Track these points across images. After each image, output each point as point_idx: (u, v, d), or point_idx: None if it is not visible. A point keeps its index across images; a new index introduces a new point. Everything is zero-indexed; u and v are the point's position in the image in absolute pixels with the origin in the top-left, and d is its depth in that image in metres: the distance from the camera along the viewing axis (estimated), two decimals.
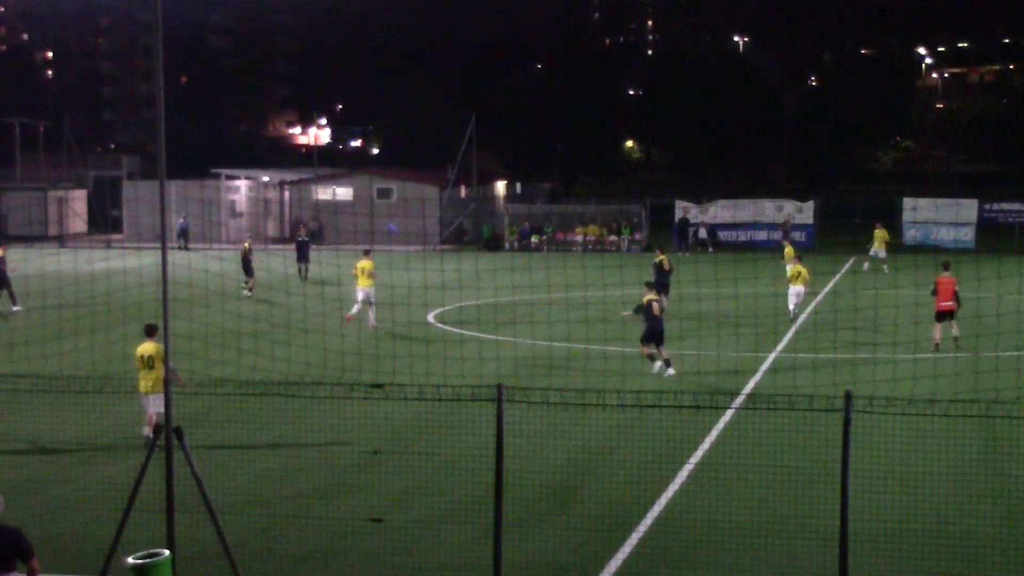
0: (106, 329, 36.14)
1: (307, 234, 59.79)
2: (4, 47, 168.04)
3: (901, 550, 16.88)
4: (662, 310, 31.12)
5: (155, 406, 22.38)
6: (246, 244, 49.62)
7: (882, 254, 58.01)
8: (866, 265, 57.68)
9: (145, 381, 22.90)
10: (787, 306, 40.35)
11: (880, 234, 58.92)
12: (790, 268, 41.04)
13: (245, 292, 46.77)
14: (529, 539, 17.64)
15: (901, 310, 37.77)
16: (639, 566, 16.84)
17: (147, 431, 22.84)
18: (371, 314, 39.38)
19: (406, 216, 71.15)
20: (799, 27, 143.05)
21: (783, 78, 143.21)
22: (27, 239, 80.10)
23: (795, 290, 39.98)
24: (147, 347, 23.10)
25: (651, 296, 31.16)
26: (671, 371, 30.19)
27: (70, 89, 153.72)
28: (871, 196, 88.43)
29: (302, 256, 55.01)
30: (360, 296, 39.76)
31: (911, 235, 71.92)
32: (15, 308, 42.74)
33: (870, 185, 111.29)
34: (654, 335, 30.62)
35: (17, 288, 43.60)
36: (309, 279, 53.28)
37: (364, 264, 39.93)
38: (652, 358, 30.73)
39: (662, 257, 43.07)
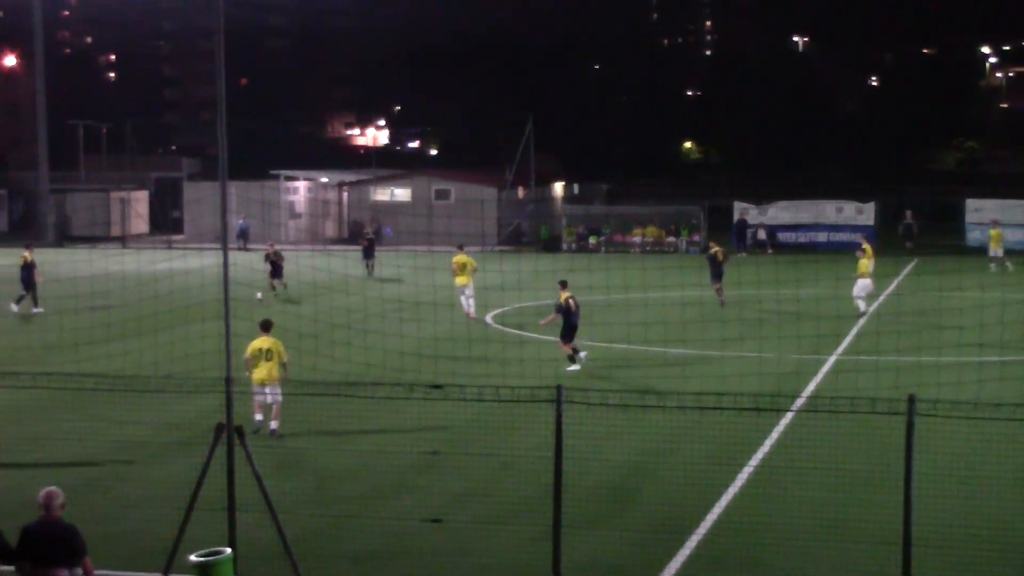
0: (168, 329, 36.43)
1: (374, 232, 62.13)
2: (68, 51, 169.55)
3: (964, 555, 16.72)
4: (577, 307, 31.89)
5: (272, 396, 23.95)
6: (272, 247, 49.40)
7: (1000, 253, 58.19)
8: (992, 267, 57.55)
9: (259, 372, 24.03)
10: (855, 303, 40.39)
11: (995, 234, 59.10)
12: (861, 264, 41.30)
13: (258, 295, 45.78)
14: (587, 541, 17.61)
15: (965, 312, 37.48)
16: (698, 569, 16.78)
17: (259, 417, 24.08)
18: (469, 304, 40.94)
19: (464, 217, 71.21)
20: (860, 27, 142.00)
21: (843, 78, 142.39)
22: (90, 240, 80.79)
23: (863, 283, 40.25)
24: (264, 341, 24.37)
25: (566, 294, 31.86)
26: (576, 367, 31.13)
27: (132, 92, 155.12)
28: (933, 197, 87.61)
29: (368, 253, 57.50)
30: (466, 291, 41.01)
31: (974, 237, 71.15)
32: (35, 309, 43.16)
33: (932, 186, 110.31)
34: (572, 331, 31.53)
35: (81, 288, 43.96)
36: (373, 276, 55.32)
37: (461, 259, 41.49)
38: (576, 351, 31.60)
39: (716, 249, 44.50)
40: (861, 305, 40.50)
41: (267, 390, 24.06)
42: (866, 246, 45.51)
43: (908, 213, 70.01)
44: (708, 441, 21.98)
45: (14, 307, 43.02)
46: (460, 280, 41.34)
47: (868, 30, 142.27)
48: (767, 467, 21.43)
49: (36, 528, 12.87)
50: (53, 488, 13.13)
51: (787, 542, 17.60)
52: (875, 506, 18.58)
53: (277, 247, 50.31)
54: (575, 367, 31.19)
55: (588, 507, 19.02)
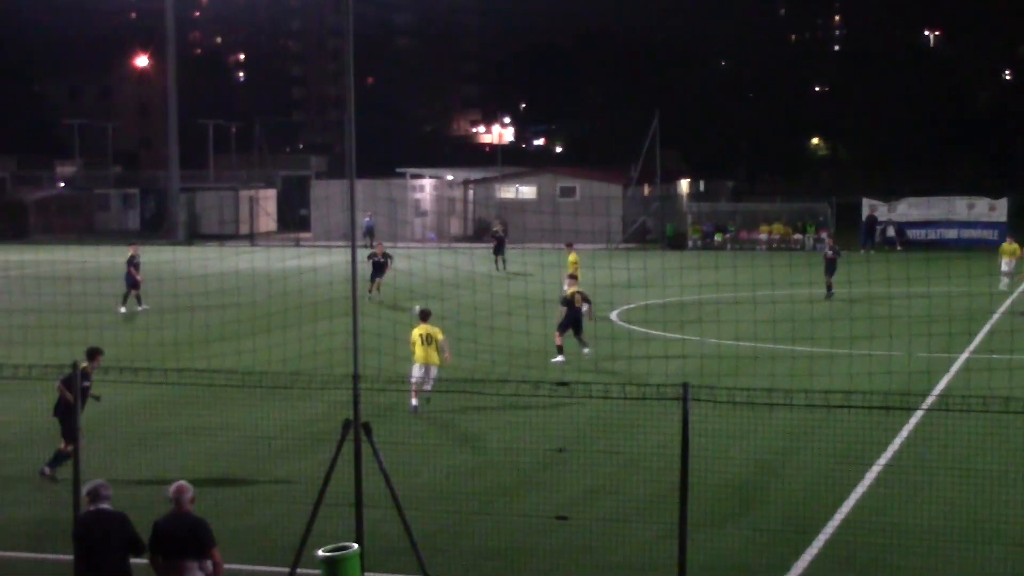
0: (297, 326, 36.85)
1: (504, 231, 63.05)
2: (199, 51, 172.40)
3: None
4: (584, 302, 32.85)
5: (430, 377, 26.26)
6: (378, 249, 48.54)
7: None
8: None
9: (419, 352, 26.26)
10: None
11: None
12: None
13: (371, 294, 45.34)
14: (714, 539, 17.50)
15: None
16: (826, 569, 16.60)
17: (414, 402, 25.92)
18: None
19: (590, 214, 71.16)
20: (992, 20, 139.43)
21: (976, 72, 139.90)
22: (219, 237, 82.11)
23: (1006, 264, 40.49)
24: (423, 328, 26.64)
25: (574, 288, 32.84)
26: (560, 358, 31.80)
27: (261, 91, 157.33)
28: None
29: (499, 249, 59.32)
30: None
31: None
32: (138, 307, 43.70)
33: None
34: (573, 324, 32.34)
35: (211, 285, 44.68)
36: (507, 271, 57.11)
37: (572, 257, 42.51)
38: (561, 349, 31.96)
39: (828, 239, 48.15)
40: (1004, 281, 40.85)
41: (427, 370, 26.23)
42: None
43: None
44: (836, 440, 21.70)
45: (139, 307, 43.62)
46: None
47: (1001, 22, 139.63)
48: (896, 466, 21.14)
49: (166, 522, 13.10)
50: (183, 483, 13.34)
51: (917, 543, 17.34)
52: (1009, 507, 18.24)
53: (386, 247, 49.76)
54: (559, 359, 31.77)
55: (714, 506, 18.90)
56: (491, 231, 65.79)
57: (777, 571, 16.43)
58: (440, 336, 26.61)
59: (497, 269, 57.54)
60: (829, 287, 45.41)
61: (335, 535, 15.64)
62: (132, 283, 43.91)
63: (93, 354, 21.36)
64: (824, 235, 73.06)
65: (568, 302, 32.50)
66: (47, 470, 20.76)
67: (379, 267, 46.79)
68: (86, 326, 32.01)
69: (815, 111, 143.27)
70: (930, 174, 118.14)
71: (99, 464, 20.01)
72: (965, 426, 20.83)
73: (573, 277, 34.30)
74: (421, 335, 26.54)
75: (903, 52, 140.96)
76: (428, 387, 26.39)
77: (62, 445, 20.64)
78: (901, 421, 23.65)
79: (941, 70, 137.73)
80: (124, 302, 43.67)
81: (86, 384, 20.57)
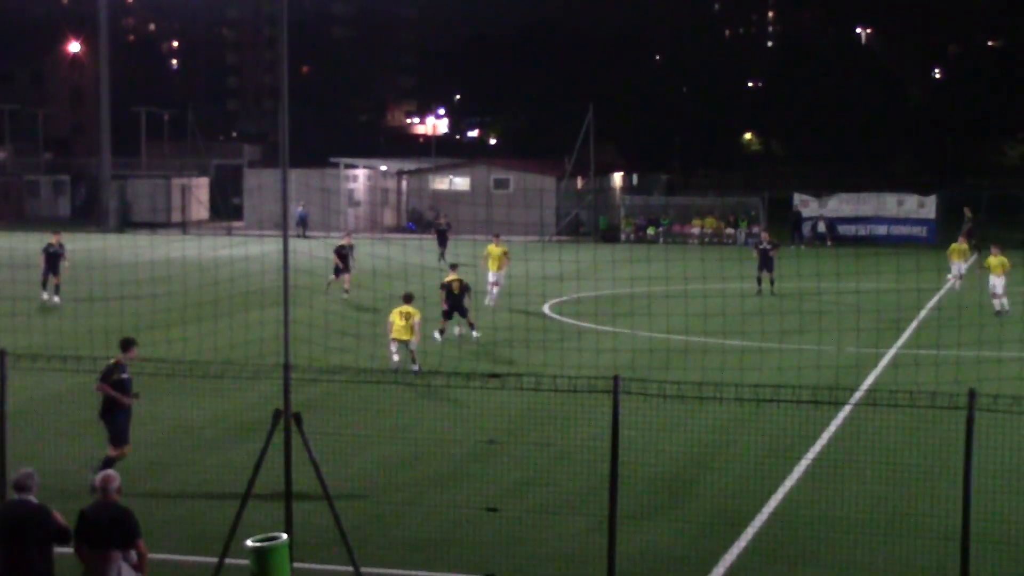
0: (228, 315, 36.64)
1: (447, 223, 62.71)
2: (132, 37, 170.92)
3: None
4: (463, 289, 34.23)
5: (409, 346, 28.81)
6: (349, 237, 48.18)
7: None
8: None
9: (397, 330, 28.66)
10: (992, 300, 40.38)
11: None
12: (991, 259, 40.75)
13: (342, 288, 44.97)
14: (644, 531, 17.59)
15: None
16: (754, 562, 16.72)
17: (396, 358, 28.86)
18: (494, 292, 42.29)
19: (524, 207, 71.24)
20: (925, 18, 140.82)
21: (908, 70, 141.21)
22: (151, 226, 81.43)
23: (995, 281, 40.08)
24: (403, 307, 28.96)
25: (452, 276, 34.63)
26: (476, 333, 34.33)
27: (195, 79, 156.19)
28: (997, 191, 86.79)
29: (442, 242, 59.59)
30: (491, 279, 42.42)
31: None
32: (54, 299, 42.86)
33: (996, 179, 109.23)
34: (457, 310, 34.13)
35: (142, 274, 44.32)
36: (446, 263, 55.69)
37: (492, 249, 42.60)
38: (443, 332, 33.95)
39: (763, 233, 47.43)
40: (996, 304, 40.71)
41: (408, 343, 28.72)
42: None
43: (966, 211, 69.05)
44: (765, 433, 21.87)
45: (56, 299, 43.03)
46: (491, 267, 42.77)
47: (933, 21, 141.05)
48: (825, 460, 21.32)
49: (92, 511, 13.00)
50: (110, 471, 13.27)
51: (844, 536, 17.50)
52: (934, 501, 18.43)
53: (353, 237, 49.06)
54: (438, 336, 33.53)
55: (644, 498, 18.99)
56: (435, 224, 65.26)
57: (706, 564, 16.53)
58: (417, 317, 28.79)
59: (440, 260, 56.95)
60: (759, 281, 45.64)
61: (264, 526, 15.57)
62: (51, 270, 43.33)
63: (127, 345, 20.20)
64: (757, 229, 73.59)
65: (447, 287, 34.05)
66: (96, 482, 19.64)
67: (345, 259, 45.16)
68: (13, 313, 31.70)
69: (749, 106, 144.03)
70: (863, 170, 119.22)
71: (26, 452, 19.80)
72: (892, 421, 21.03)
73: (453, 266, 36.07)
74: (399, 313, 28.79)
75: (837, 49, 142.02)
76: (415, 368, 28.50)
77: (110, 450, 19.60)
78: (830, 415, 23.86)
79: (874, 67, 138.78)
80: (45, 288, 43.19)
81: (124, 376, 19.75)
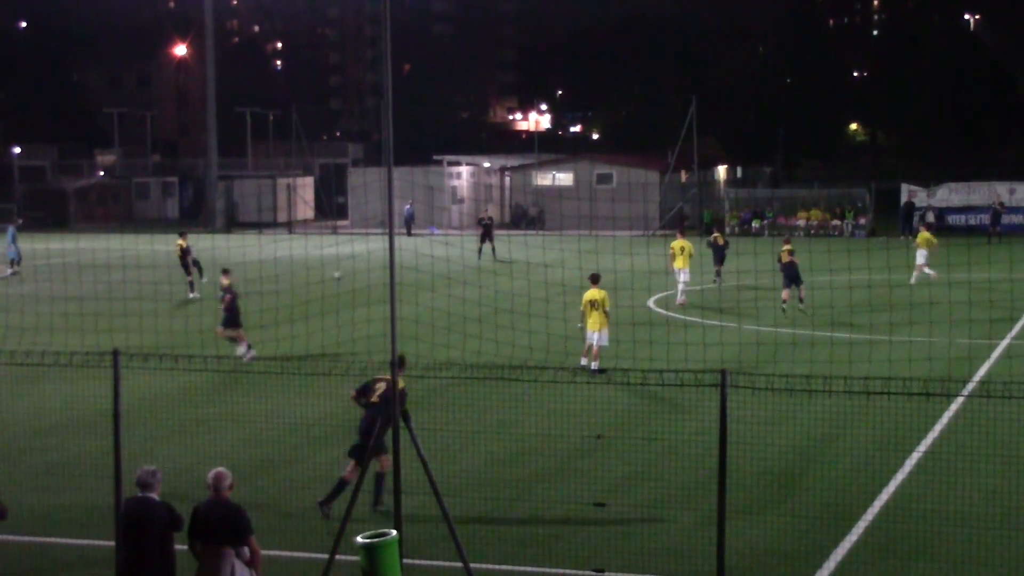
0: (335, 313, 36.92)
1: (489, 218, 62.72)
2: (236, 39, 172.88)
3: None
4: (235, 297, 31.60)
5: (599, 340, 28.41)
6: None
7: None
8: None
9: (591, 321, 28.31)
10: None
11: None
12: None
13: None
14: (753, 526, 17.47)
15: None
16: (866, 556, 16.54)
17: (584, 360, 28.64)
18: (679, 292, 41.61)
19: (627, 201, 71.01)
20: None
21: (1017, 57, 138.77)
22: (257, 225, 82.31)
23: None
24: (593, 293, 28.56)
25: (228, 281, 32.17)
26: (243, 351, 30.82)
27: (299, 79, 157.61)
28: None
29: (488, 237, 59.11)
30: (682, 277, 41.55)
31: None
32: (191, 295, 44.36)
33: None
34: (233, 320, 31.33)
35: (250, 273, 44.83)
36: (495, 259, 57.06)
37: (682, 243, 42.03)
38: (236, 340, 31.25)
39: (716, 234, 47.78)
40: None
41: (594, 336, 28.34)
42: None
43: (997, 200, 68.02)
44: (876, 426, 21.63)
45: (192, 295, 44.22)
46: (680, 264, 41.81)
47: None
48: (937, 453, 21.04)
49: (205, 508, 13.19)
50: (222, 469, 13.43)
51: (958, 530, 17.26)
52: None
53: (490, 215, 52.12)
54: (242, 352, 30.92)
55: (753, 492, 18.87)
56: (479, 220, 64.85)
57: (816, 558, 16.39)
58: (607, 303, 28.63)
59: (479, 258, 56.72)
60: (718, 273, 45.85)
61: (374, 522, 15.68)
62: (188, 269, 45.28)
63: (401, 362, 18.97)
64: (864, 220, 72.68)
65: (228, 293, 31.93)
66: (379, 507, 18.32)
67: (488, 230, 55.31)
68: (125, 313, 32.20)
69: (853, 96, 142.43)
70: (971, 159, 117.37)
71: (140, 451, 20.12)
72: (1006, 413, 20.70)
73: (225, 271, 33.39)
74: (591, 301, 28.53)
75: (942, 36, 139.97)
76: (594, 352, 28.46)
77: (378, 467, 18.41)
78: (941, 408, 23.55)
79: (981, 54, 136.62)
80: (193, 288, 45.00)
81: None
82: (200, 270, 46.15)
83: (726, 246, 46.68)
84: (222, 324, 31.72)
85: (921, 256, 46.15)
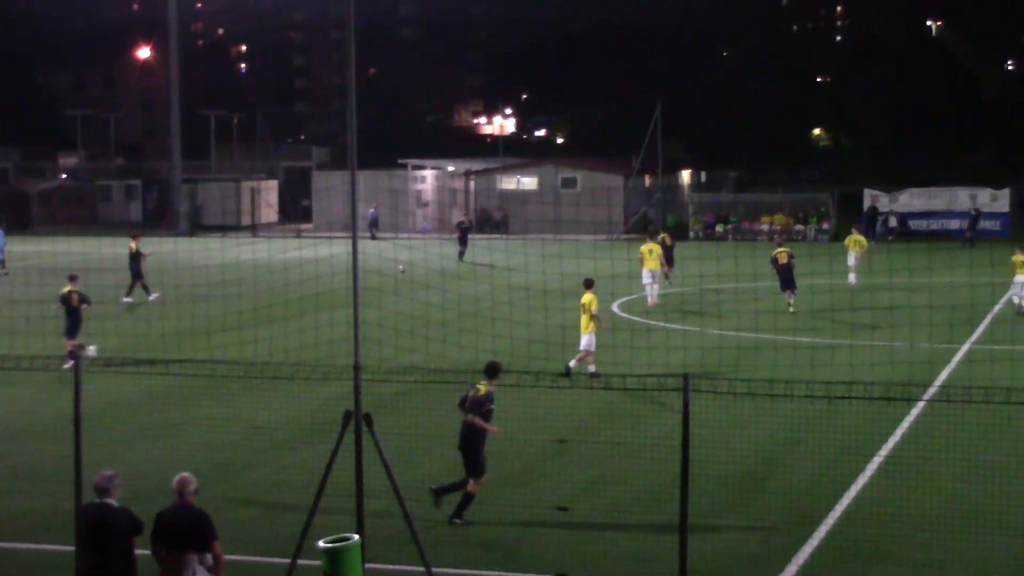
0: (298, 317, 36.88)
1: (468, 223, 63.76)
2: (201, 42, 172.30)
3: None
4: (82, 301, 30.81)
5: (584, 344, 28.42)
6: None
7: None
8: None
9: (581, 323, 28.51)
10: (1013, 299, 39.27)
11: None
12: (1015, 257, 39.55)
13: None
14: (715, 530, 17.52)
15: None
16: (828, 560, 16.61)
17: (573, 362, 28.71)
18: (653, 293, 41.72)
19: (591, 205, 71.09)
20: (997, 9, 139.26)
21: (980, 63, 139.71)
22: (221, 229, 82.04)
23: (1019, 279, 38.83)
24: (583, 297, 28.71)
25: (69, 287, 31.18)
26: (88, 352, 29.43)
27: (264, 82, 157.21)
28: None
29: (463, 241, 59.69)
30: (647, 278, 41.56)
31: None
32: (127, 299, 43.20)
33: None
34: (75, 327, 30.52)
35: (214, 276, 44.69)
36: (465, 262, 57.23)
37: (650, 247, 42.21)
38: (82, 347, 29.78)
39: (664, 235, 47.62)
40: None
41: (582, 339, 28.50)
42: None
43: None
44: (838, 431, 21.72)
45: (126, 299, 43.38)
46: (650, 265, 42.01)
47: (1005, 12, 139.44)
48: (898, 457, 21.14)
49: (169, 513, 13.14)
50: (186, 474, 13.37)
51: (919, 534, 17.36)
52: (1011, 498, 18.25)
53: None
54: (87, 353, 29.56)
55: (716, 497, 18.91)
56: (458, 223, 65.11)
57: (778, 562, 16.44)
58: (593, 306, 28.42)
59: (461, 260, 57.50)
60: (667, 276, 45.84)
61: (337, 527, 15.64)
62: (137, 273, 44.02)
63: (495, 371, 18.81)
64: (827, 225, 72.94)
65: (65, 300, 31.02)
66: (457, 520, 18.30)
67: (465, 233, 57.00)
68: (87, 317, 32.01)
69: (818, 101, 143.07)
70: (934, 164, 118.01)
71: (101, 455, 20.00)
72: (967, 417, 20.82)
73: (72, 278, 32.06)
74: (582, 304, 28.71)
75: (906, 42, 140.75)
76: (591, 368, 28.26)
77: (470, 484, 18.43)
78: (903, 412, 23.66)
79: (945, 60, 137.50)
80: (130, 293, 43.72)
81: (492, 407, 18.68)
82: (140, 276, 44.92)
83: (673, 247, 47.11)
84: (67, 334, 30.69)
85: (852, 258, 46.55)
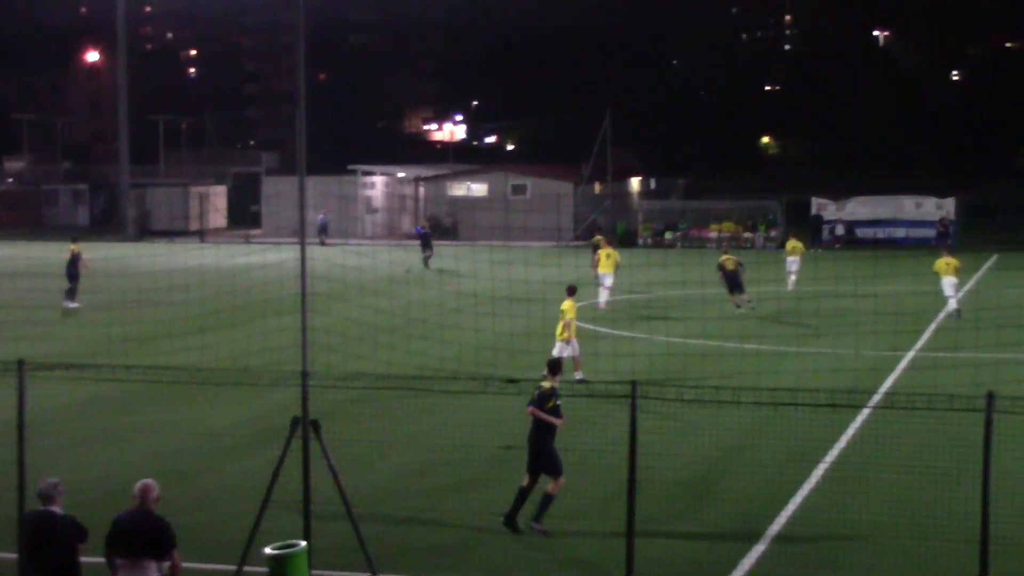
0: (246, 323, 36.74)
1: (429, 226, 63.72)
2: (150, 46, 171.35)
3: None
4: None
5: (561, 350, 27.81)
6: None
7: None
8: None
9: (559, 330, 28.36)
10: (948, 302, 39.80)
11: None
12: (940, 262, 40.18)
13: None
14: (663, 536, 17.57)
15: None
16: (774, 566, 16.69)
17: (578, 374, 28.20)
18: (603, 296, 42.27)
19: (541, 212, 71.22)
20: (943, 20, 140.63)
21: (926, 72, 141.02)
22: (169, 234, 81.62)
23: (949, 281, 39.44)
24: (564, 303, 28.56)
25: None
26: None
27: (213, 87, 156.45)
28: (1016, 193, 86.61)
29: (426, 246, 59.15)
30: (607, 282, 42.41)
31: None
32: (73, 304, 42.46)
33: (1015, 181, 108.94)
34: None
35: (161, 281, 44.43)
36: (431, 268, 56.91)
37: (608, 251, 43.22)
38: None
39: (598, 237, 48.86)
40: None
41: (557, 345, 28.15)
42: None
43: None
44: (784, 437, 21.83)
45: (70, 304, 42.85)
46: (601, 269, 42.95)
47: (951, 23, 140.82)
48: (844, 464, 21.28)
49: (128, 520, 13.01)
50: (150, 481, 13.26)
51: (864, 539, 17.48)
52: (953, 504, 18.37)
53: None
54: None
55: (663, 503, 18.97)
56: (418, 228, 65.28)
57: (725, 568, 16.51)
58: (567, 314, 28.29)
59: (426, 265, 57.50)
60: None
61: (283, 533, 15.59)
62: (75, 276, 43.25)
63: (558, 368, 18.95)
64: (775, 233, 73.38)
65: None
66: (536, 525, 17.97)
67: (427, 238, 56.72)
68: (31, 322, 31.81)
69: (767, 109, 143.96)
70: (882, 173, 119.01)
71: (45, 462, 19.85)
72: (911, 424, 20.98)
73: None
74: (560, 311, 28.63)
75: (854, 51, 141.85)
76: (578, 374, 28.03)
77: (550, 486, 17.96)
78: (848, 419, 23.81)
79: (892, 70, 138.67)
80: (74, 297, 43.20)
81: (557, 403, 18.25)
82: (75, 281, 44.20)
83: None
84: None
85: (791, 264, 47.14)
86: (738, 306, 40.18)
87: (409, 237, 78.75)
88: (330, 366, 26.41)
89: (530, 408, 18.09)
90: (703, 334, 35.60)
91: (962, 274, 40.79)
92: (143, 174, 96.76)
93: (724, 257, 41.25)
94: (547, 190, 77.97)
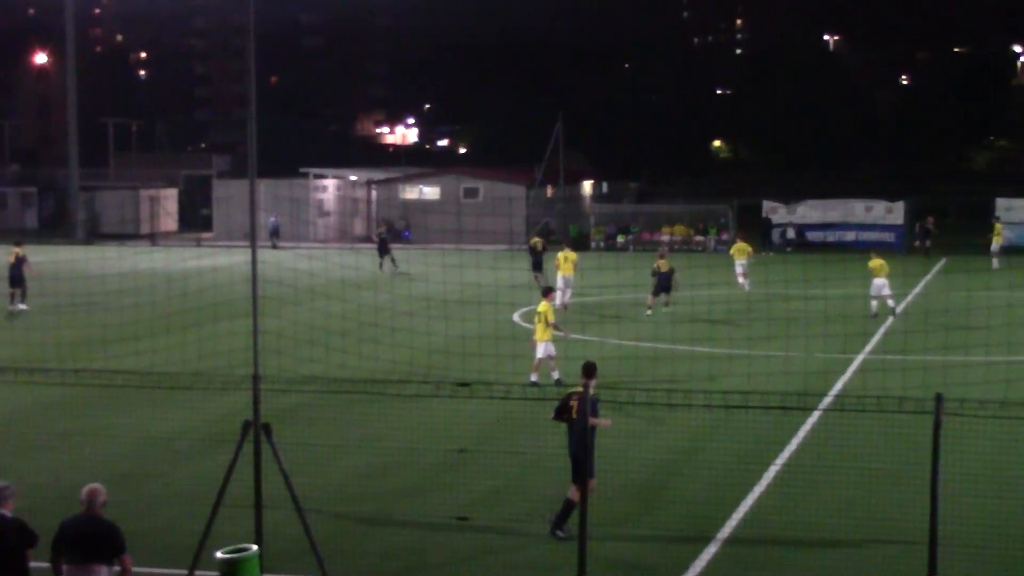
0: (197, 326, 36.56)
1: (387, 230, 63.11)
2: (99, 48, 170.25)
3: (991, 555, 16.68)
4: None
5: (543, 351, 28.29)
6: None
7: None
8: (995, 263, 58.14)
9: (537, 332, 28.39)
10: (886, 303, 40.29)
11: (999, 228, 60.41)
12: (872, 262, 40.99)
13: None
14: (614, 539, 17.62)
15: (994, 311, 37.33)
16: (725, 568, 16.76)
17: (533, 377, 28.20)
18: (566, 296, 42.71)
19: (493, 215, 71.21)
20: (892, 25, 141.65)
21: (876, 77, 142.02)
22: (119, 237, 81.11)
23: (879, 282, 40.10)
24: (541, 305, 28.81)
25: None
26: None
27: (163, 90, 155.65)
28: (964, 197, 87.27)
29: (384, 251, 58.55)
30: (561, 283, 42.75)
31: (1005, 236, 70.75)
32: (21, 306, 42.43)
33: (963, 185, 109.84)
34: None
35: (111, 285, 44.15)
36: (399, 271, 56.35)
37: (566, 253, 43.75)
38: None
39: (536, 239, 50.12)
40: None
41: (540, 347, 28.26)
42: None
43: (929, 219, 69.32)
44: (735, 440, 21.94)
45: (19, 307, 42.53)
46: (561, 272, 43.39)
47: (901, 28, 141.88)
48: (794, 466, 21.39)
49: (74, 524, 12.95)
50: (97, 485, 13.21)
51: (815, 541, 17.57)
52: (902, 505, 18.51)
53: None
54: None
55: (615, 506, 19.01)
56: (376, 232, 65.21)
57: (677, 570, 16.57)
58: (546, 316, 28.36)
59: (380, 269, 57.09)
60: (536, 279, 46.94)
61: (235, 537, 15.55)
62: (18, 280, 42.86)
63: (593, 370, 18.65)
64: (726, 236, 73.72)
65: None
66: (560, 533, 17.70)
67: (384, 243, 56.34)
68: None
69: (718, 113, 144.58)
70: (832, 177, 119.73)
71: None
72: (861, 426, 21.15)
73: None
74: (537, 312, 28.73)
75: (805, 56, 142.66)
76: (555, 374, 28.26)
77: (591, 484, 16.88)
78: (799, 421, 23.94)
79: (842, 74, 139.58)
80: (24, 299, 42.89)
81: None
82: (23, 286, 43.45)
83: (543, 252, 48.69)
84: None
85: (739, 266, 47.84)
86: (650, 308, 40.68)
87: (361, 240, 78.70)
88: (282, 370, 26.35)
89: (593, 420, 17.11)
90: (655, 337, 35.71)
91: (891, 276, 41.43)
92: (93, 177, 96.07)
93: (660, 261, 41.80)
94: (499, 193, 77.97)
